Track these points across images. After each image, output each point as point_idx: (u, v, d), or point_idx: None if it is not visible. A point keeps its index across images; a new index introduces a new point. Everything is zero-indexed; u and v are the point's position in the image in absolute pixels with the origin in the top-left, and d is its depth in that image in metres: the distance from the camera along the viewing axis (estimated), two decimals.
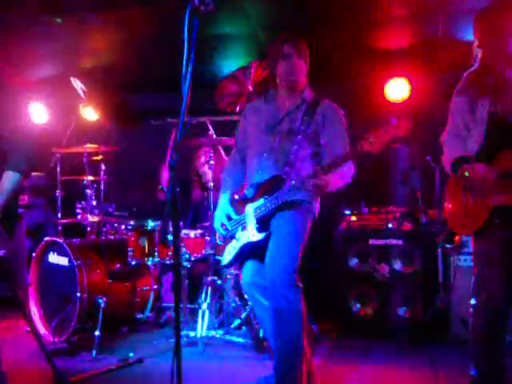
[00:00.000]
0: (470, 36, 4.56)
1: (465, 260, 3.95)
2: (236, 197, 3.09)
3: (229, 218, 3.04)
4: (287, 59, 2.92)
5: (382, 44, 4.82)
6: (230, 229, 3.03)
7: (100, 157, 4.71)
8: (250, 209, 2.93)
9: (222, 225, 3.05)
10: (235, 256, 3.00)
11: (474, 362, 2.60)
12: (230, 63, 5.28)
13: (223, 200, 3.07)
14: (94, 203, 4.60)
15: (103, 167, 4.68)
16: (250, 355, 3.75)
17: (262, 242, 2.85)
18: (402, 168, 4.88)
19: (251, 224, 2.91)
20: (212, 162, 4.18)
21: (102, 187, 4.63)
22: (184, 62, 2.07)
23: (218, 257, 3.14)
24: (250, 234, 2.89)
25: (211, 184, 4.17)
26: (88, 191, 4.61)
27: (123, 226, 4.47)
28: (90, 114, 5.64)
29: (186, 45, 2.04)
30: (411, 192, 4.67)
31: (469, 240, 3.87)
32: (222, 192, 3.12)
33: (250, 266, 3.03)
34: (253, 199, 2.93)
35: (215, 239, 3.94)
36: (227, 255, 3.04)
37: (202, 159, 4.93)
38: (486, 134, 2.53)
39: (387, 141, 2.48)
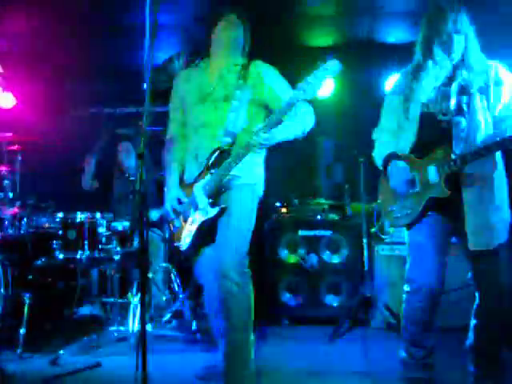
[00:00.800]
0: (392, 38, 4.89)
1: (382, 249, 4.19)
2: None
3: (179, 202, 2.96)
4: (227, 20, 2.91)
5: (311, 41, 4.98)
6: (182, 212, 2.96)
7: (17, 146, 4.48)
8: (198, 187, 2.86)
9: (173, 209, 2.97)
10: (193, 239, 2.91)
11: (404, 344, 2.77)
12: (160, 54, 5.20)
13: (171, 184, 2.99)
14: (11, 195, 4.36)
15: (19, 158, 4.47)
16: (183, 348, 3.75)
17: (217, 220, 2.81)
18: (325, 162, 5.05)
19: (203, 202, 2.84)
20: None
21: (18, 178, 4.42)
22: (146, 49, 2.03)
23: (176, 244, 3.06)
24: (204, 211, 2.84)
25: None
26: (6, 182, 4.36)
27: (44, 219, 4.31)
28: (6, 100, 5.33)
29: (147, 31, 2.00)
30: (336, 185, 4.85)
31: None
32: (168, 176, 3.03)
33: (205, 251, 2.97)
34: (199, 177, 2.87)
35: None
36: (185, 239, 2.94)
37: (125, 152, 4.82)
38: (418, 132, 2.70)
39: (325, 79, 2.53)
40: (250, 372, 2.74)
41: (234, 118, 2.83)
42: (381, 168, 2.81)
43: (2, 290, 3.65)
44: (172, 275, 4.16)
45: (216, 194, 2.83)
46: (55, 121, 5.78)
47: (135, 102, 5.65)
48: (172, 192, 3.00)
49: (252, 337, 2.79)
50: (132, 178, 4.73)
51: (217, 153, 2.81)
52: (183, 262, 4.38)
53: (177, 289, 4.12)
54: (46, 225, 4.18)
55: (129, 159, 4.74)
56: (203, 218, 2.86)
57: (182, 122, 3.07)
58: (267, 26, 4.59)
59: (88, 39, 5.11)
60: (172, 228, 3.11)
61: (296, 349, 3.71)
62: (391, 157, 2.72)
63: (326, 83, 2.52)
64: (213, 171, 2.81)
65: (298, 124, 2.84)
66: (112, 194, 4.80)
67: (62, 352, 3.48)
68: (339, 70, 2.50)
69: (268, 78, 2.90)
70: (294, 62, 5.23)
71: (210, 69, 2.98)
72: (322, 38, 5.10)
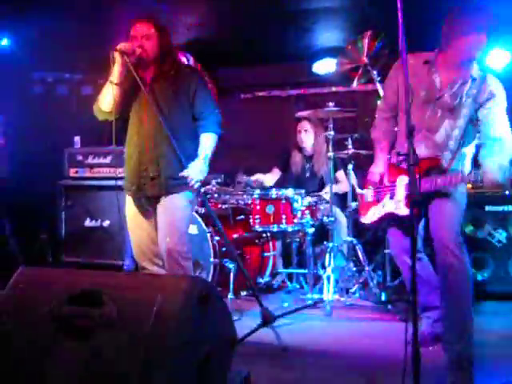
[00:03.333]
0: None
1: None
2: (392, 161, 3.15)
3: (380, 182, 3.14)
4: (476, 33, 2.72)
5: None
6: (378, 190, 3.16)
7: None
8: (402, 181, 2.97)
9: (372, 182, 3.17)
10: (377, 219, 3.15)
11: None
12: (329, 37, 5.36)
13: (380, 160, 3.16)
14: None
15: None
16: (374, 317, 3.91)
17: (405, 217, 2.92)
18: None
19: (399, 196, 2.99)
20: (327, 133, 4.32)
21: None
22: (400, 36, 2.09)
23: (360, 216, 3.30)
24: (397, 205, 2.99)
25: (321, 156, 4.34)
26: None
27: (228, 196, 4.68)
28: None
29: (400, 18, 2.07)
30: None
31: None
32: (378, 152, 3.18)
33: (396, 231, 3.14)
34: (406, 172, 2.98)
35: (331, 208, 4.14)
36: (371, 215, 3.18)
37: (303, 131, 5.05)
38: None
39: None
40: (471, 343, 2.77)
41: (457, 134, 2.87)
42: None
43: (212, 260, 4.06)
44: (357, 248, 4.34)
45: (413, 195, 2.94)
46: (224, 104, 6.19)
47: (304, 84, 5.93)
48: (378, 168, 3.17)
49: (472, 309, 2.82)
50: (306, 155, 5.01)
51: (432, 162, 2.87)
52: (370, 236, 4.60)
53: (362, 261, 4.30)
54: (233, 201, 4.55)
55: (307, 139, 4.97)
56: (392, 210, 3.03)
57: (395, 105, 3.10)
58: None
59: (256, 24, 5.36)
60: (361, 199, 3.31)
61: (486, 322, 3.74)
62: None
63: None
64: (421, 176, 2.87)
65: None
66: (290, 172, 5.07)
67: None
68: None
69: (495, 105, 2.84)
70: None
71: (440, 72, 2.91)
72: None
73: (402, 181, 2.99)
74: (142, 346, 1.82)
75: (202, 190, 4.46)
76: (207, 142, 3.14)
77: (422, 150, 2.86)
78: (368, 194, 3.23)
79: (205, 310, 1.91)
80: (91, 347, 1.83)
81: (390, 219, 3.13)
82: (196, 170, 3.02)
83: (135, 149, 3.16)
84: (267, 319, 2.74)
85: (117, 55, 2.97)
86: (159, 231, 3.09)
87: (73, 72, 6.13)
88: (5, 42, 5.23)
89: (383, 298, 4.07)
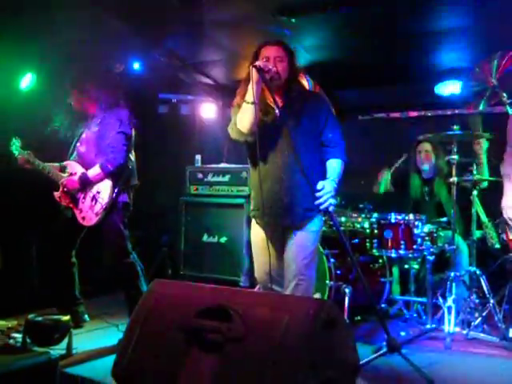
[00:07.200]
0: None
1: None
2: None
3: None
4: None
5: None
6: None
7: None
8: None
9: None
10: None
11: None
12: (452, 58, 5.18)
13: None
14: None
15: None
16: (499, 354, 3.66)
17: None
18: None
19: None
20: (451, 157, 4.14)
21: None
22: None
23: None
24: None
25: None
26: None
27: (344, 218, 4.63)
28: None
29: None
30: None
31: None
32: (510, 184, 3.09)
33: None
34: None
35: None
36: None
37: (423, 154, 4.91)
38: None
39: None
40: None
41: None
42: None
43: (328, 282, 4.04)
44: (481, 279, 4.10)
45: None
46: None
47: (425, 106, 5.78)
48: None
49: None
50: (425, 177, 4.86)
51: None
52: (495, 267, 4.34)
53: (486, 293, 4.06)
54: (358, 224, 4.49)
55: (426, 160, 4.82)
56: None
57: None
58: None
59: (377, 47, 5.30)
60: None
61: None
62: None
63: None
64: None
65: None
66: (408, 195, 4.93)
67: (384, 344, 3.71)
68: None
69: None
70: None
71: None
72: None
73: None
74: (268, 365, 1.85)
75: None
76: (336, 167, 3.10)
77: None
78: None
79: (331, 334, 1.91)
80: (220, 360, 1.89)
81: None
82: (329, 193, 2.94)
83: (267, 178, 3.06)
84: (394, 346, 2.62)
85: (254, 72, 2.84)
86: (288, 259, 3.06)
87: (195, 94, 6.42)
88: (137, 65, 5.60)
89: (510, 334, 3.80)
